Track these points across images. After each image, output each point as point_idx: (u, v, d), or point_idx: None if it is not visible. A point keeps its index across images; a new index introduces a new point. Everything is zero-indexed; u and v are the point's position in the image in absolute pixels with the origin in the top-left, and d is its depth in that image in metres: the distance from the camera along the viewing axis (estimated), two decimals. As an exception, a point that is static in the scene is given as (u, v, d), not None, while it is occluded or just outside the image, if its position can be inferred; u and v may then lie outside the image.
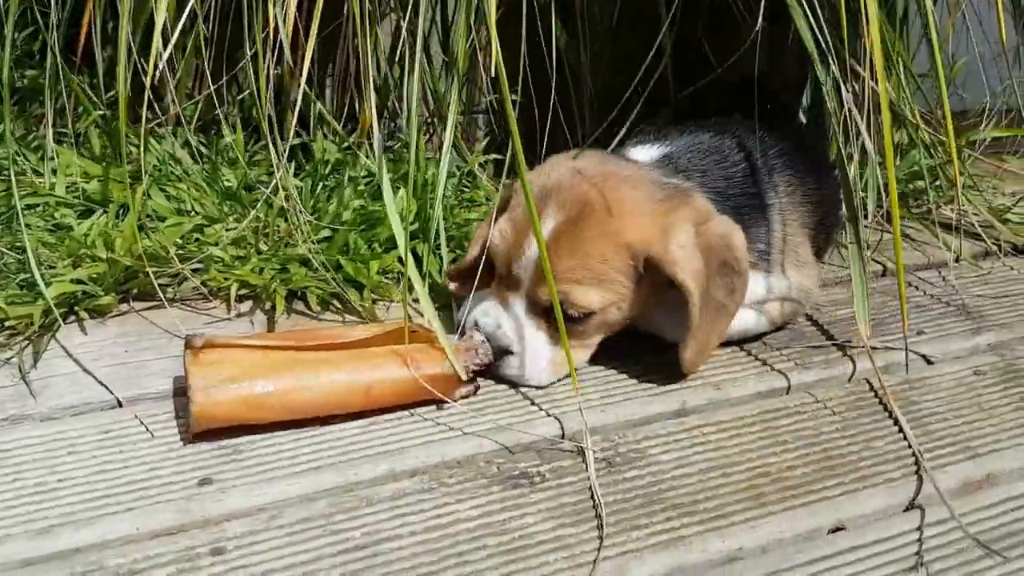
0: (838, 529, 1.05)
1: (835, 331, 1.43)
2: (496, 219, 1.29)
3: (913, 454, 1.15)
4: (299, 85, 1.46)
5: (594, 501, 1.05)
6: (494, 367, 1.25)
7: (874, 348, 1.36)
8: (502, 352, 1.24)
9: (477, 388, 1.23)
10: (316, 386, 1.14)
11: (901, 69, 1.86)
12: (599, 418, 1.20)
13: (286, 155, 1.44)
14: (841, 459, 1.15)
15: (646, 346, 1.33)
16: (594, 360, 1.30)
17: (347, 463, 1.09)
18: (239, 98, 1.74)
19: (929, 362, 1.37)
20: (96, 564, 0.94)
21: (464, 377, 1.20)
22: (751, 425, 1.20)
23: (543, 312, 1.24)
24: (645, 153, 1.39)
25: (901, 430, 1.19)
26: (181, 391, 1.20)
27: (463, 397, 1.22)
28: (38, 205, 1.51)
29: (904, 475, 1.12)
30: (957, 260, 1.70)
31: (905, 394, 1.28)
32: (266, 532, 0.98)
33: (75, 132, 1.71)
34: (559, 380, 1.26)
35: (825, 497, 1.08)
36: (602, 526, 1.02)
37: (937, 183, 1.90)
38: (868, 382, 1.30)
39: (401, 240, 1.26)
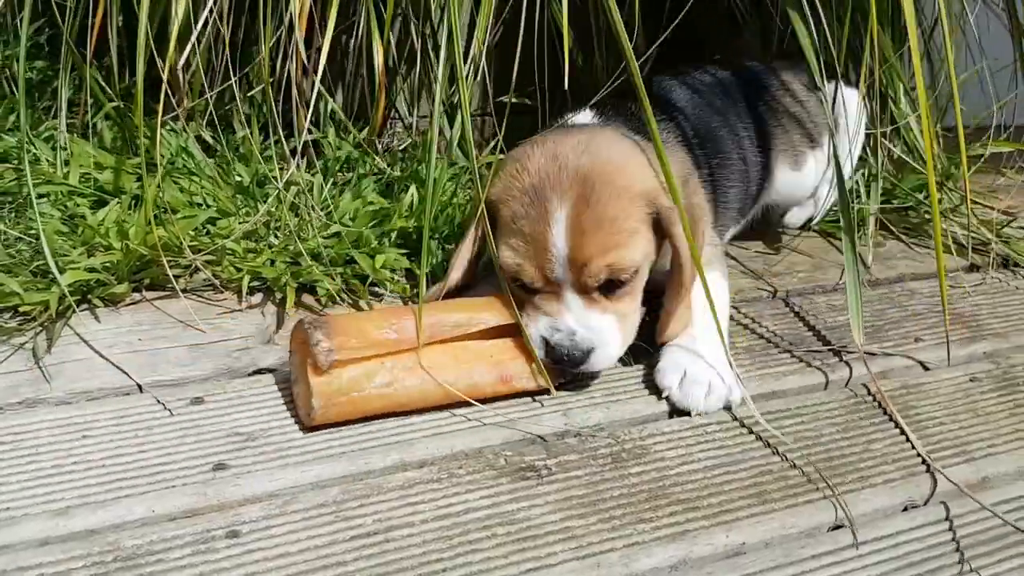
0: (839, 527, 1.07)
1: (834, 336, 1.45)
2: (475, 240, 1.29)
3: (918, 454, 1.18)
4: (314, 83, 1.48)
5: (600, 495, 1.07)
6: (581, 371, 1.25)
7: (872, 354, 1.39)
8: (586, 355, 1.23)
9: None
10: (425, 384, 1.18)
11: (900, 87, 1.90)
12: (604, 415, 1.22)
13: (300, 151, 1.46)
14: (842, 459, 1.17)
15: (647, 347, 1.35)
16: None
17: (358, 452, 1.11)
18: (249, 95, 1.75)
19: (926, 368, 1.40)
20: (113, 544, 0.95)
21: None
22: (753, 425, 1.22)
23: (595, 294, 1.23)
24: (582, 116, 1.46)
25: (903, 432, 1.22)
26: (199, 379, 1.23)
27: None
28: (49, 195, 1.53)
29: (903, 476, 1.15)
30: (975, 270, 1.75)
31: (904, 399, 1.30)
32: (281, 517, 1.00)
33: (83, 124, 1.72)
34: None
35: (826, 495, 1.10)
36: (609, 519, 1.04)
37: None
38: (867, 387, 1.32)
39: (426, 245, 1.29)
